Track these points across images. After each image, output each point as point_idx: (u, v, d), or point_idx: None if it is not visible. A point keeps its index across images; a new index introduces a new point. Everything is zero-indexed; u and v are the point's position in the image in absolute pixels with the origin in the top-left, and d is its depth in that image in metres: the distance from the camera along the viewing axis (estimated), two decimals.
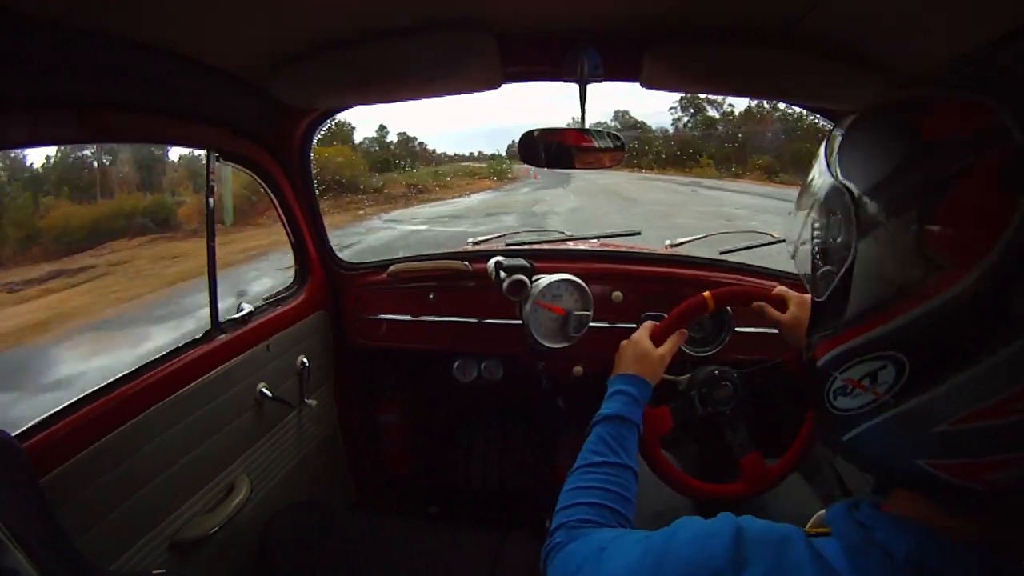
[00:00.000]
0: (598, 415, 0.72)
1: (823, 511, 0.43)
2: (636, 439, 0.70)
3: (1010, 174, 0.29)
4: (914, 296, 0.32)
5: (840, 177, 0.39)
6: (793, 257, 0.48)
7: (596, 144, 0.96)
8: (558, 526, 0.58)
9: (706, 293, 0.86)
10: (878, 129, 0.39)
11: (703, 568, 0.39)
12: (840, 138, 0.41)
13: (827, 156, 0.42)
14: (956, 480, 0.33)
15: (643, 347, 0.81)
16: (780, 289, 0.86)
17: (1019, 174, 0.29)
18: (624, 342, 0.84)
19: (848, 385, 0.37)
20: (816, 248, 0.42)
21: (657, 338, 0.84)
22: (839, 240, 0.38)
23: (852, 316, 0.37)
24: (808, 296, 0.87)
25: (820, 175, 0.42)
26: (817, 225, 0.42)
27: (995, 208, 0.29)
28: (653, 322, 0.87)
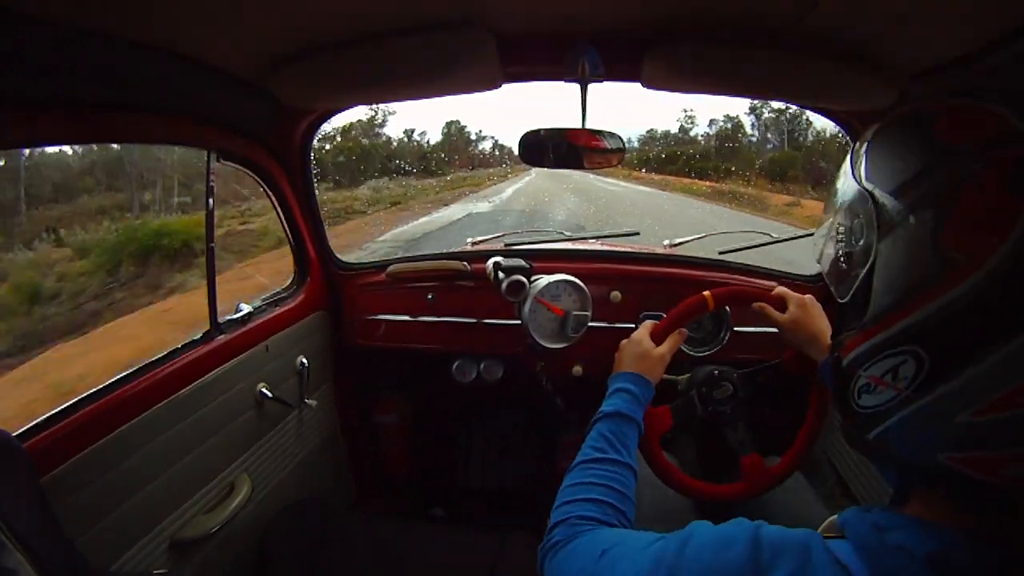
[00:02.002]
0: (600, 412, 0.72)
1: (834, 517, 0.43)
2: (636, 437, 0.71)
3: (1019, 176, 0.31)
4: (930, 291, 0.34)
5: (864, 182, 0.41)
6: (819, 261, 0.49)
7: (606, 145, 0.95)
8: (557, 522, 0.58)
9: (706, 293, 0.86)
10: (899, 137, 0.41)
11: None
12: (864, 148, 0.43)
13: (852, 164, 0.44)
14: (976, 475, 0.33)
15: (643, 346, 0.82)
16: (780, 290, 0.87)
17: None
18: (624, 341, 0.85)
19: (871, 383, 0.38)
20: (840, 251, 0.44)
21: (657, 337, 0.84)
22: (861, 242, 0.40)
23: (873, 315, 0.38)
24: (808, 297, 0.88)
25: (845, 183, 0.44)
26: (841, 229, 0.44)
27: (1006, 206, 0.31)
28: (653, 321, 0.87)
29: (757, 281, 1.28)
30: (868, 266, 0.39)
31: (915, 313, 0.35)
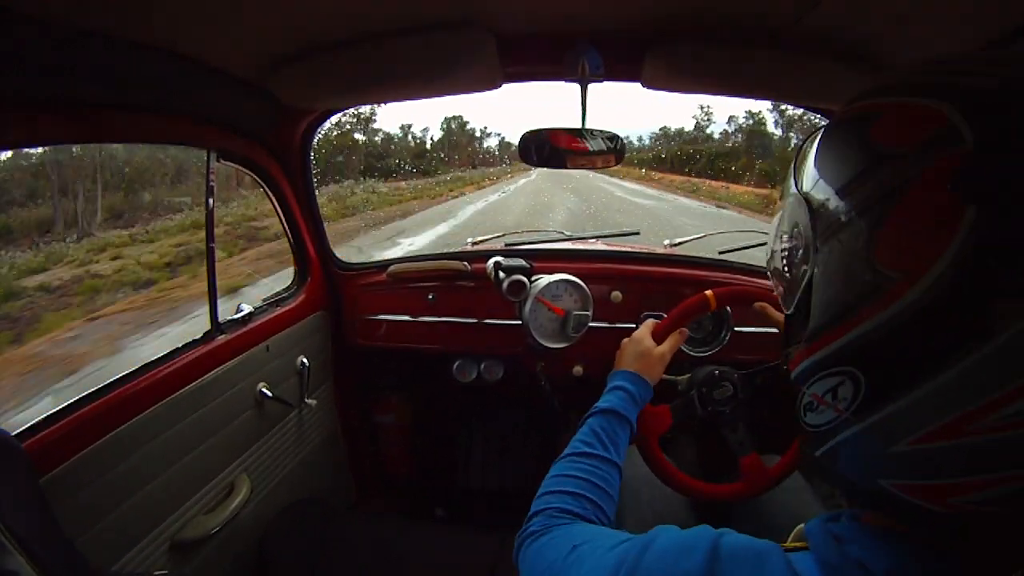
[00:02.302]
0: (594, 408, 0.72)
1: (801, 525, 0.42)
2: (628, 436, 0.70)
3: (960, 178, 0.28)
4: (866, 309, 0.32)
5: (802, 189, 0.39)
6: (768, 270, 0.48)
7: (589, 147, 0.96)
8: (537, 511, 0.57)
9: (708, 292, 0.86)
10: (836, 141, 0.38)
11: None
12: (808, 150, 0.41)
13: (794, 170, 0.42)
14: (919, 502, 0.32)
15: (644, 345, 0.81)
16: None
17: (969, 178, 0.28)
18: (625, 340, 0.85)
19: (814, 401, 0.37)
20: (784, 261, 0.42)
21: (658, 336, 0.84)
22: (800, 252, 0.38)
23: (812, 330, 0.37)
24: None
25: (787, 186, 0.42)
26: (784, 237, 0.42)
27: (943, 215, 0.28)
28: (654, 320, 0.87)
29: (758, 281, 1.28)
30: (807, 279, 0.37)
31: (851, 332, 0.33)
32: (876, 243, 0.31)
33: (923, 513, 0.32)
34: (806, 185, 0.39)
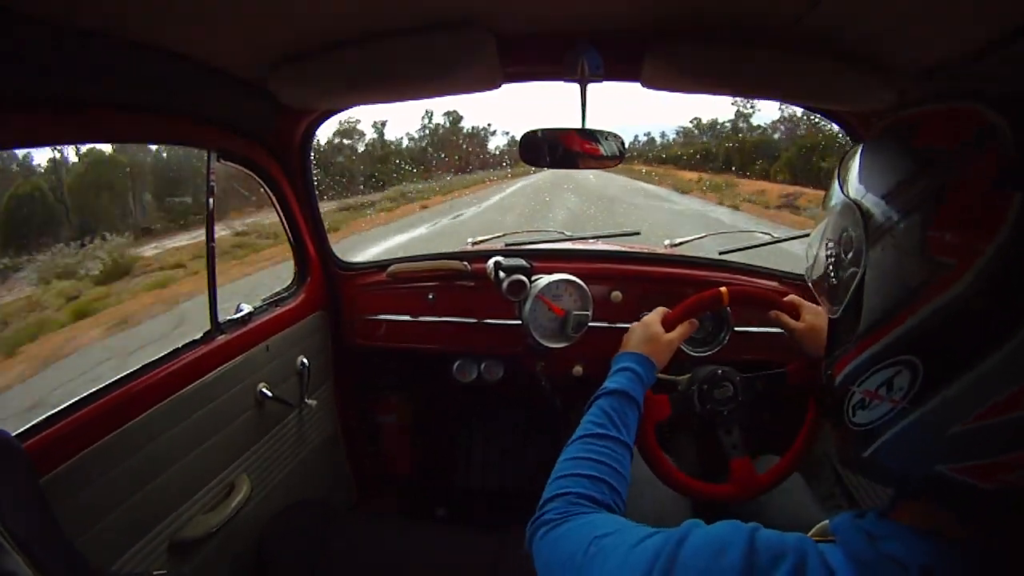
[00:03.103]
0: (602, 388, 0.71)
1: (825, 522, 0.43)
2: (637, 417, 0.70)
3: (1004, 171, 0.31)
4: (921, 298, 0.34)
5: (849, 195, 0.42)
6: (810, 278, 0.49)
7: (601, 148, 0.96)
8: (552, 496, 0.56)
9: (722, 288, 0.86)
10: (882, 148, 0.42)
11: None
12: (850, 162, 0.44)
13: (839, 178, 0.44)
14: (974, 482, 0.33)
15: (653, 330, 0.82)
16: (792, 297, 0.87)
17: (1013, 170, 0.31)
18: (635, 323, 0.85)
19: (866, 398, 0.38)
20: (830, 266, 0.44)
21: (668, 324, 0.84)
22: (850, 255, 0.40)
23: (865, 328, 0.38)
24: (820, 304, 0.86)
25: (833, 197, 0.44)
26: (831, 244, 0.44)
27: (991, 205, 0.31)
28: (665, 308, 0.87)
29: (758, 281, 1.28)
30: (858, 280, 0.39)
31: (907, 322, 0.35)
32: (929, 234, 0.34)
33: (976, 494, 0.33)
34: (853, 192, 0.41)
